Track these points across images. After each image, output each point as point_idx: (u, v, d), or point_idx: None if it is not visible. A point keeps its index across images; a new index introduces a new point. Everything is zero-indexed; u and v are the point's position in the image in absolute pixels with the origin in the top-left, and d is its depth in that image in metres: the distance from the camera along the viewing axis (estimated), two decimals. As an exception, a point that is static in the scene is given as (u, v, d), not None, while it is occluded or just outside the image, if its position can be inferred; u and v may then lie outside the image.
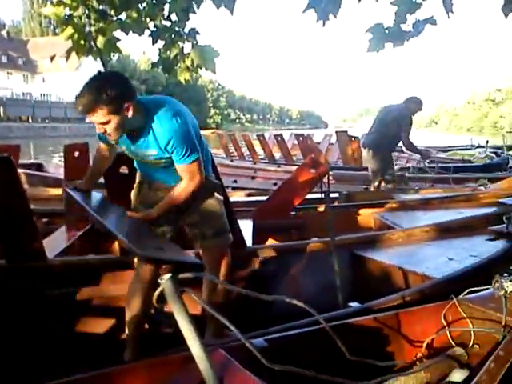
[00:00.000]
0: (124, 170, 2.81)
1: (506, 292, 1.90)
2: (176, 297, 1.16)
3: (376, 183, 6.04)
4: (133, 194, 2.46)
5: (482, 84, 78.96)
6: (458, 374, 1.76)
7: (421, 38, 3.68)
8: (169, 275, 1.13)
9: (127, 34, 3.86)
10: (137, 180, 2.47)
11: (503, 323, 1.87)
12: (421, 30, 3.59)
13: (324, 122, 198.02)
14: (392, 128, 5.72)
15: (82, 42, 3.85)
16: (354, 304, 2.48)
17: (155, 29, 3.91)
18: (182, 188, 2.23)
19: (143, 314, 2.33)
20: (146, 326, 2.48)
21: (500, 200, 4.62)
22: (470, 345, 1.92)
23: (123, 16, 3.84)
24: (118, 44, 3.98)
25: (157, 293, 1.16)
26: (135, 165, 2.48)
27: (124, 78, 2.14)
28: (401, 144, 6.11)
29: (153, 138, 2.13)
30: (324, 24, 3.66)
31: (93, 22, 3.79)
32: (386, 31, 3.65)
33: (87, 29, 3.83)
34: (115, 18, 3.85)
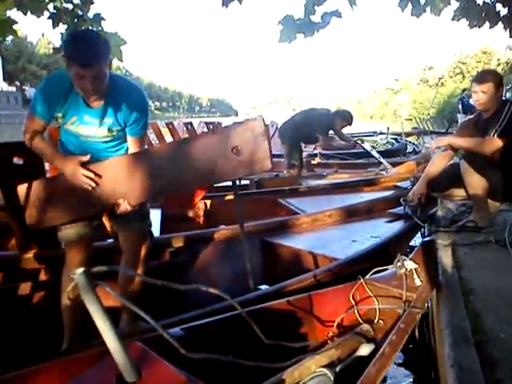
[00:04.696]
0: (18, 160, 2.62)
1: (406, 270, 2.05)
2: (89, 290, 1.12)
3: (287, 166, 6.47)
4: None
5: (383, 73, 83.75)
6: (366, 349, 1.88)
7: (329, 30, 3.83)
8: (82, 269, 1.10)
9: (25, 14, 3.57)
10: None
11: (404, 299, 2.03)
12: (328, 22, 3.71)
13: (234, 109, 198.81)
14: (310, 128, 6.16)
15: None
16: (265, 287, 2.55)
17: (55, 11, 3.67)
18: None
19: (76, 303, 2.23)
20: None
21: (397, 184, 4.96)
22: (376, 321, 2.06)
23: None
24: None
25: (69, 287, 1.12)
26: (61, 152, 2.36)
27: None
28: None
29: (112, 107, 2.15)
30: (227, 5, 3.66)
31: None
32: (297, 22, 3.74)
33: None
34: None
